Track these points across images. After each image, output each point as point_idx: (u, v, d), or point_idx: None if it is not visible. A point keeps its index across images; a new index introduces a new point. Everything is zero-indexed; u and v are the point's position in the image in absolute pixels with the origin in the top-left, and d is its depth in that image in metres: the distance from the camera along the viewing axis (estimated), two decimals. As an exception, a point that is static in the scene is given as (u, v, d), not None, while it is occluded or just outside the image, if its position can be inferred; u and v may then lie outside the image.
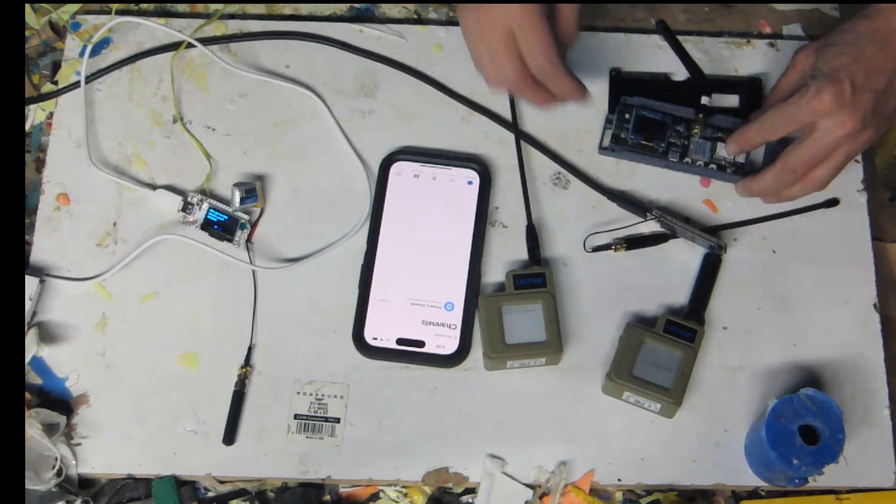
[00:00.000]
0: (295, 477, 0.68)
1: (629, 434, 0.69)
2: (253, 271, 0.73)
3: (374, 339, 0.70)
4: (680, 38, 0.77)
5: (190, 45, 0.78)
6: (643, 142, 0.75)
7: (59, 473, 0.66)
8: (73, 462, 0.67)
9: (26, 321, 0.70)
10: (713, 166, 0.75)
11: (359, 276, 0.72)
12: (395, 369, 0.70)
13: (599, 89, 0.78)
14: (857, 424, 0.69)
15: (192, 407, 0.69)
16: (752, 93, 0.78)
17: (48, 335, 0.71)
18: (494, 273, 0.73)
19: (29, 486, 0.65)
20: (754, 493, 0.69)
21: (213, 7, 0.82)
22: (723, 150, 0.75)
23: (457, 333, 0.70)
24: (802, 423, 0.64)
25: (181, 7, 0.83)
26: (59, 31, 0.82)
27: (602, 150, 0.76)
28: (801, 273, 0.73)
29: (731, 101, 0.78)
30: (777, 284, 0.73)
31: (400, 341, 0.70)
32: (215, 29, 0.80)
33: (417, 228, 0.73)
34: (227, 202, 0.74)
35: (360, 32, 0.81)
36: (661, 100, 0.76)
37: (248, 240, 0.74)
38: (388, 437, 0.69)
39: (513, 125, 0.77)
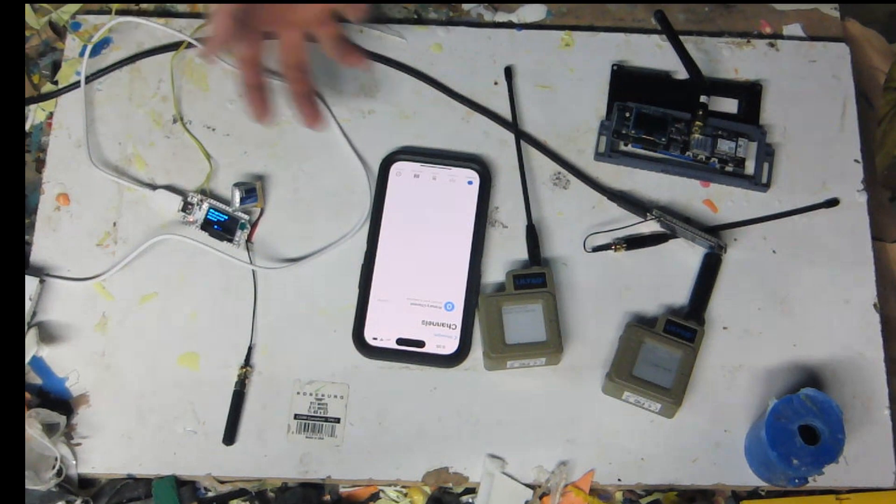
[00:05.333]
0: (295, 477, 0.68)
1: (629, 434, 0.69)
2: (253, 271, 0.73)
3: (374, 339, 0.70)
4: (680, 38, 0.77)
5: (190, 45, 0.78)
6: (645, 136, 0.75)
7: (59, 473, 0.66)
8: (73, 462, 0.67)
9: (26, 321, 0.70)
10: (714, 160, 0.75)
11: (359, 276, 0.72)
12: (395, 369, 0.70)
13: (599, 90, 0.79)
14: (857, 424, 0.69)
15: (192, 407, 0.69)
16: (752, 97, 0.78)
17: (48, 335, 0.71)
18: (494, 273, 0.73)
19: (29, 486, 0.65)
20: (754, 493, 0.69)
21: (213, 7, 0.82)
22: (724, 145, 0.75)
23: (457, 333, 0.70)
24: (802, 423, 0.64)
25: (181, 7, 0.83)
26: (59, 31, 0.82)
27: (598, 156, 0.76)
28: (801, 273, 0.73)
29: (731, 105, 0.78)
30: (777, 284, 0.73)
31: (400, 341, 0.70)
32: (215, 29, 0.80)
33: (417, 228, 0.73)
34: (227, 202, 0.74)
35: (361, 32, 0.81)
36: (660, 102, 0.77)
37: (248, 240, 0.74)
38: (388, 437, 0.69)
39: (513, 125, 0.77)
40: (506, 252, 0.74)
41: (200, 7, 0.83)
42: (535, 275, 0.71)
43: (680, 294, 0.73)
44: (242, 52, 0.69)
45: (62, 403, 0.69)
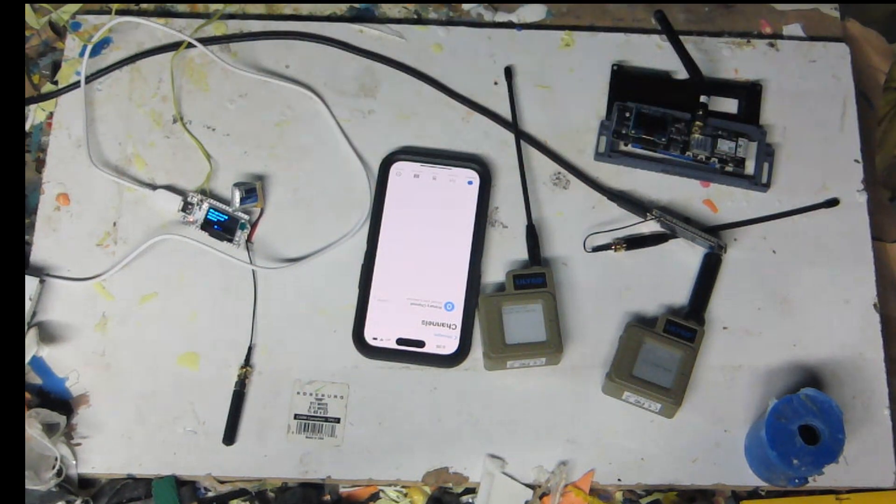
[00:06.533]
0: (295, 477, 0.68)
1: (629, 434, 0.69)
2: (253, 271, 0.73)
3: (374, 339, 0.70)
4: (680, 38, 0.77)
5: (190, 45, 0.78)
6: (644, 136, 0.75)
7: (59, 473, 0.66)
8: (73, 462, 0.67)
9: (26, 321, 0.70)
10: (714, 160, 0.75)
11: (359, 276, 0.72)
12: (395, 369, 0.70)
13: (599, 90, 0.79)
14: (857, 424, 0.69)
15: (192, 407, 0.69)
16: (752, 97, 0.78)
17: (48, 335, 0.71)
18: (494, 273, 0.73)
19: (29, 486, 0.65)
20: (754, 493, 0.69)
21: (213, 7, 0.82)
22: (724, 145, 0.75)
23: (457, 333, 0.70)
24: (802, 423, 0.64)
25: (181, 7, 0.83)
26: (59, 31, 0.82)
27: (598, 156, 0.76)
28: (801, 273, 0.73)
29: (731, 105, 0.78)
30: (777, 284, 0.73)
31: (400, 341, 0.70)
32: (215, 29, 0.80)
33: (417, 228, 0.73)
34: (227, 202, 0.74)
35: (361, 32, 0.81)
36: (660, 102, 0.77)
37: (248, 240, 0.74)
38: (388, 437, 0.69)
39: (513, 125, 0.77)
40: (506, 252, 0.74)
41: (200, 7, 0.83)
42: (535, 275, 0.71)
43: (680, 294, 0.73)
44: None
45: (62, 403, 0.69)
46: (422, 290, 0.72)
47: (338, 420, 0.69)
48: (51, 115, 0.78)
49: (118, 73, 0.79)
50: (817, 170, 0.77)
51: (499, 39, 0.81)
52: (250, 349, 0.71)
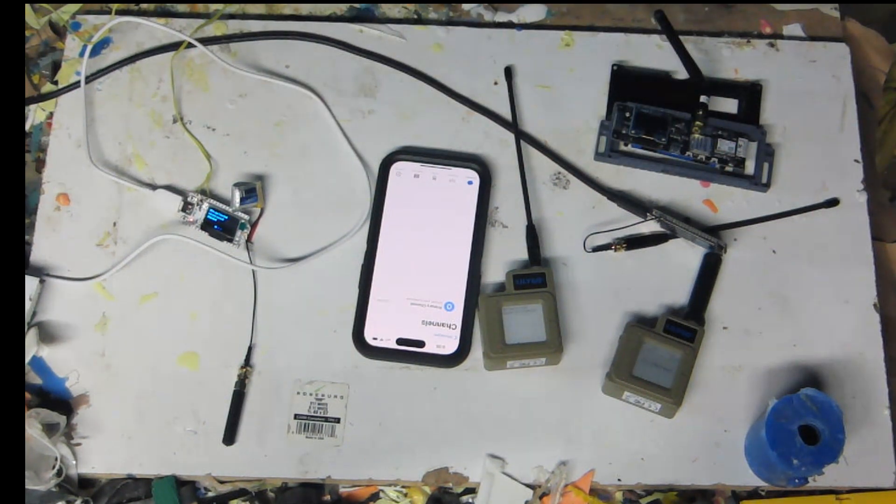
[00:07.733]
0: (295, 477, 0.68)
1: (629, 434, 0.69)
2: (253, 271, 0.73)
3: (374, 339, 0.70)
4: (680, 38, 0.77)
5: (190, 45, 0.78)
6: (644, 136, 0.75)
7: (59, 473, 0.66)
8: (73, 462, 0.67)
9: (26, 321, 0.70)
10: (714, 160, 0.75)
11: (359, 276, 0.72)
12: (395, 369, 0.70)
13: (599, 91, 0.79)
14: (857, 424, 0.69)
15: (192, 407, 0.69)
16: (752, 97, 0.78)
17: (48, 335, 0.71)
18: (494, 273, 0.73)
19: (29, 486, 0.65)
20: (754, 493, 0.69)
21: (213, 7, 0.82)
22: (724, 145, 0.75)
23: (457, 333, 0.70)
24: (802, 423, 0.64)
25: (181, 7, 0.83)
26: (59, 31, 0.82)
27: (598, 156, 0.76)
28: (801, 273, 0.73)
29: (731, 105, 0.78)
30: (777, 284, 0.73)
31: (400, 341, 0.70)
32: (215, 29, 0.80)
33: (417, 228, 0.73)
34: (227, 202, 0.74)
35: (360, 32, 0.81)
36: (660, 102, 0.76)
37: (248, 240, 0.74)
38: (388, 437, 0.69)
39: (513, 125, 0.77)
40: (506, 252, 0.74)
41: (200, 7, 0.83)
42: (535, 275, 0.71)
43: (680, 294, 0.73)
44: None
45: (62, 403, 0.69)
46: (422, 290, 0.72)
47: (338, 420, 0.69)
48: (51, 115, 0.78)
49: (118, 73, 0.79)
50: (817, 170, 0.77)
51: (499, 39, 0.81)
52: (250, 349, 0.71)
